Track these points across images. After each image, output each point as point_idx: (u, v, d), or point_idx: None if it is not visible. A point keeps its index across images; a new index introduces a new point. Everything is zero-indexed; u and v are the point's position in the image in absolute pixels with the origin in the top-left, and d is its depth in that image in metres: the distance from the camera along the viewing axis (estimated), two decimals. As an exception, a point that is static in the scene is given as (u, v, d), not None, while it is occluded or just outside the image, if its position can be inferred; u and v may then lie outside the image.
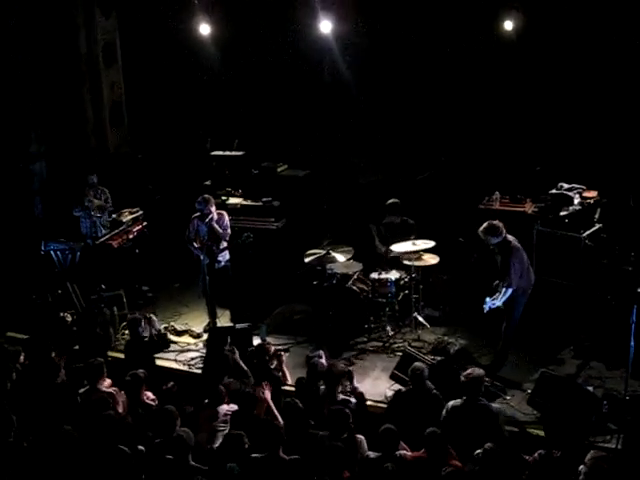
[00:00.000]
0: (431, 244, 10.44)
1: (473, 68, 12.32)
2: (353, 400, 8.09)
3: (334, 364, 8.50)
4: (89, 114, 13.97)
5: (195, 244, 10.71)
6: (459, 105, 12.54)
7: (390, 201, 11.23)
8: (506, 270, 8.97)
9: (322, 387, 8.15)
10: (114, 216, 12.24)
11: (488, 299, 8.88)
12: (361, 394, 8.28)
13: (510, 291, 8.93)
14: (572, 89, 11.77)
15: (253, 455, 6.97)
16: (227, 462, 6.90)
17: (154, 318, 10.29)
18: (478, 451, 6.72)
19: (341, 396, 8.05)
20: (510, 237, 9.20)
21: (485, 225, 9.19)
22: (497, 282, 9.23)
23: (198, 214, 10.70)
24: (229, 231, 10.82)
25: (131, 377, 8.24)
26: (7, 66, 13.15)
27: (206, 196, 10.74)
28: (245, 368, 8.63)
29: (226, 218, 10.83)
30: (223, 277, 10.79)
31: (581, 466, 6.48)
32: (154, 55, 14.10)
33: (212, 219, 10.58)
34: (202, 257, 10.49)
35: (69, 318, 10.64)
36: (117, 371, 8.86)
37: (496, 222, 9.20)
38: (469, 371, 7.80)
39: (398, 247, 10.48)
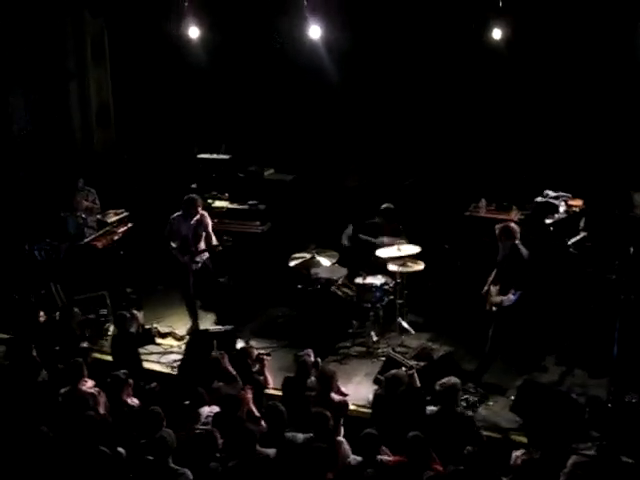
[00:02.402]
0: (416, 250, 10.41)
1: (461, 75, 12.34)
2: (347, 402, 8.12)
3: (323, 367, 8.52)
4: (75, 113, 13.90)
5: (172, 244, 10.67)
6: (446, 111, 12.56)
7: (384, 206, 11.16)
8: (518, 274, 8.98)
9: (313, 392, 8.12)
10: (99, 217, 12.18)
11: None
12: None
13: (518, 295, 8.95)
14: (560, 98, 11.81)
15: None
16: (201, 462, 6.87)
17: (138, 314, 10.21)
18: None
19: (337, 398, 8.03)
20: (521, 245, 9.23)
21: (503, 225, 9.24)
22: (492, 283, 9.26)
23: (180, 213, 10.65)
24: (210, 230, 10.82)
25: (112, 378, 8.21)
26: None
27: (193, 196, 10.73)
28: (234, 373, 8.54)
29: (208, 219, 10.82)
30: (204, 275, 10.78)
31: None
32: (142, 57, 14.05)
33: (199, 221, 10.56)
34: (179, 257, 10.48)
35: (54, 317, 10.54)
36: (101, 372, 8.80)
37: (514, 225, 9.23)
38: (444, 380, 7.78)
39: (383, 252, 10.47)
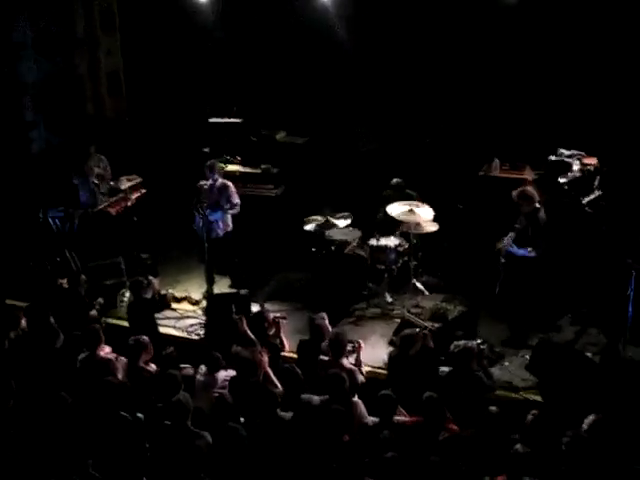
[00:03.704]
0: (430, 213, 10.32)
1: (473, 34, 12.20)
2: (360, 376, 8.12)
3: (336, 333, 8.41)
4: (86, 81, 13.87)
5: (199, 210, 10.72)
6: (459, 71, 12.43)
7: (394, 181, 11.14)
8: (539, 238, 9.16)
9: (326, 357, 8.13)
10: (112, 183, 12.19)
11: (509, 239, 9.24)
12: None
13: (533, 254, 9.10)
14: (572, 55, 11.66)
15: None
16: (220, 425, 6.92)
17: (154, 280, 10.26)
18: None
19: (347, 365, 8.02)
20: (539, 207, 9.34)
21: (520, 190, 9.42)
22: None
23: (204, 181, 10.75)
24: (236, 201, 10.87)
25: (133, 342, 8.25)
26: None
27: (209, 162, 10.80)
28: (252, 337, 8.56)
29: (232, 188, 10.89)
30: (223, 246, 10.85)
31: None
32: (152, 22, 13.94)
33: (221, 189, 10.70)
34: (201, 224, 10.50)
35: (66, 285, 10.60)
36: (117, 338, 8.88)
37: (530, 189, 9.30)
38: (460, 343, 7.86)
39: (394, 210, 10.33)
